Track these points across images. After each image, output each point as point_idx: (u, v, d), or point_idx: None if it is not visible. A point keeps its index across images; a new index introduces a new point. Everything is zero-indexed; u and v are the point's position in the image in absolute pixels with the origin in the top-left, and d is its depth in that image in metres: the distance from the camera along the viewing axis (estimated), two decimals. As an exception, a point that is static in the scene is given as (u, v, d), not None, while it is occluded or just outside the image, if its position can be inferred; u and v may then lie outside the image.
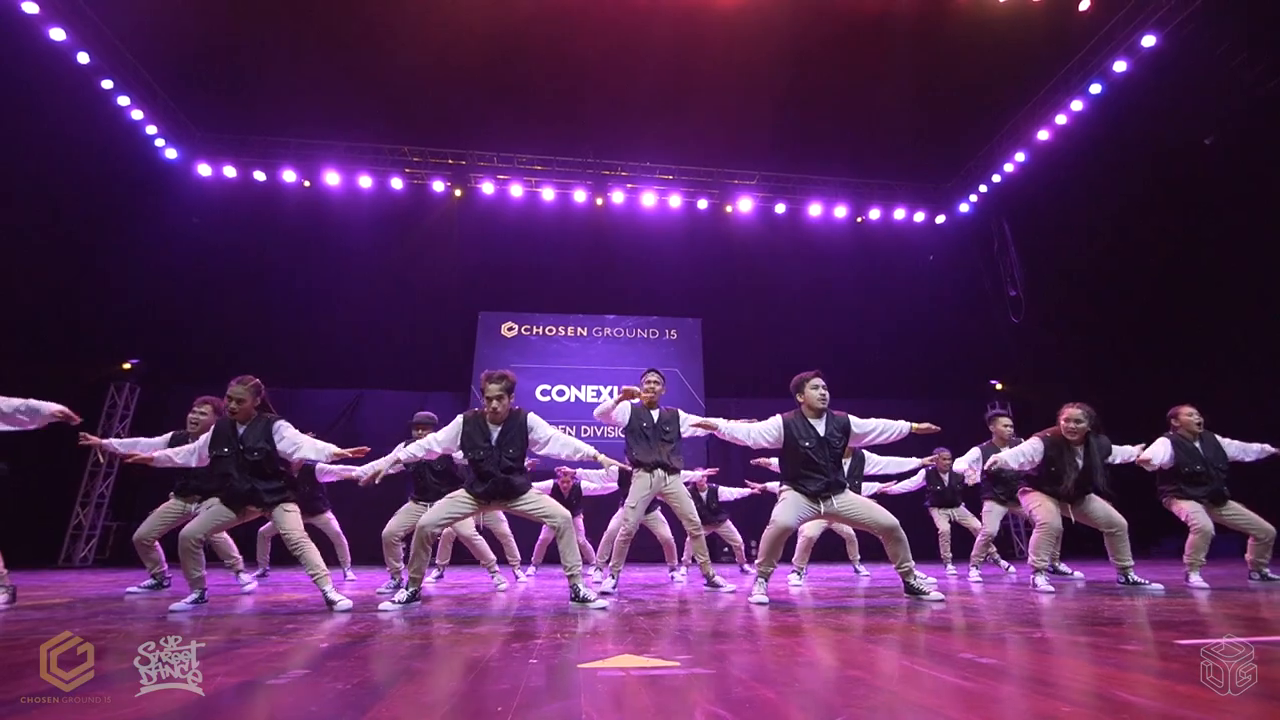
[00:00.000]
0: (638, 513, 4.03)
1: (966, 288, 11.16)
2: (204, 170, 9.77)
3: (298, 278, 10.23)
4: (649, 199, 10.85)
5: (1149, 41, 7.66)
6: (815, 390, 3.48)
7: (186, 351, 9.54)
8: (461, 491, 3.32)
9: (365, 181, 10.23)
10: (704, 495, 6.02)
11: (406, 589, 3.17)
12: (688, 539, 4.48)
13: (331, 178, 10.09)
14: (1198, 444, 4.16)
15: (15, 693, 1.36)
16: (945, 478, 5.81)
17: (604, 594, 3.60)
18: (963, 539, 5.81)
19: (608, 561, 4.33)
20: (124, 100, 8.46)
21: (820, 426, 3.44)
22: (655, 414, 4.17)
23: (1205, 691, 1.25)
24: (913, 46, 8.34)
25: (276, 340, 9.83)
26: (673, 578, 5.04)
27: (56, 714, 1.20)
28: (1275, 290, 7.29)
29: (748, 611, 2.87)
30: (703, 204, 10.99)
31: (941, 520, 5.87)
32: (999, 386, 10.48)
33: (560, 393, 10.58)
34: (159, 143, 9.22)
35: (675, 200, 10.94)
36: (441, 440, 3.34)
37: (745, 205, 10.98)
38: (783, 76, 8.95)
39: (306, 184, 10.15)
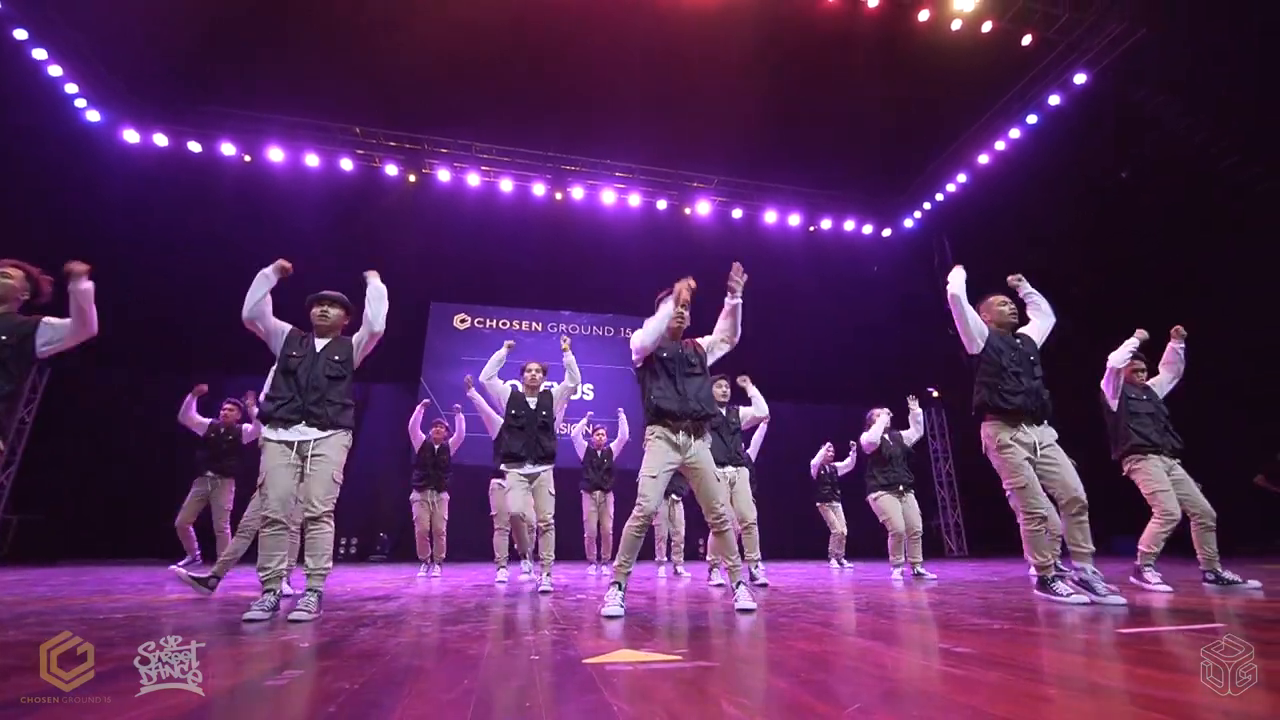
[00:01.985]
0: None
1: (909, 299, 11.74)
2: (131, 136, 9.04)
3: (234, 256, 9.54)
4: (609, 196, 10.85)
5: (1080, 79, 8.29)
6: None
7: (103, 332, 8.80)
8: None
9: (312, 160, 9.74)
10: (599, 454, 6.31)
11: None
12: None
13: (275, 154, 9.55)
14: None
15: (15, 693, 1.27)
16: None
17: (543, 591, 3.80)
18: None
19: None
20: (40, 54, 7.72)
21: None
22: (533, 400, 4.38)
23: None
24: (870, 64, 8.69)
25: (208, 322, 9.20)
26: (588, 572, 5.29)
27: (56, 714, 1.13)
28: (1197, 311, 8.05)
29: (709, 606, 2.94)
30: (662, 204, 11.08)
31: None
32: (935, 394, 11.09)
33: (514, 387, 10.41)
34: (80, 103, 8.47)
35: (635, 199, 10.97)
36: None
37: (703, 208, 11.14)
38: (745, 84, 9.13)
39: (247, 159, 9.57)
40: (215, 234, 9.39)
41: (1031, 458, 3.09)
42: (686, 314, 3.26)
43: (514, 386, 4.53)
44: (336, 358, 2.98)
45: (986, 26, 7.99)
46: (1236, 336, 7.33)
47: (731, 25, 8.31)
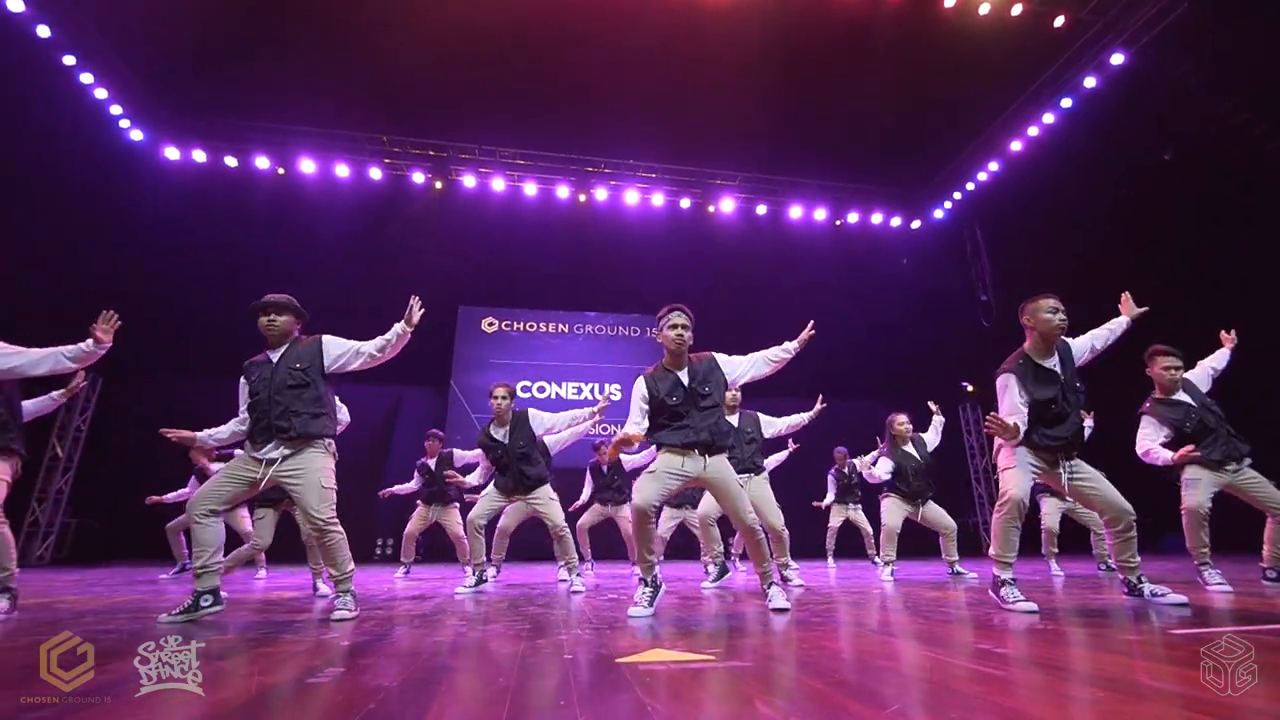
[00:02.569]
0: None
1: (940, 291, 11.49)
2: (172, 154, 9.39)
3: (270, 267, 9.90)
4: (632, 197, 10.86)
5: (1117, 59, 8.00)
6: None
7: (152, 342, 9.17)
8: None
9: (342, 170, 9.98)
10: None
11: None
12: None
13: (307, 165, 9.82)
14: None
15: (15, 693, 1.33)
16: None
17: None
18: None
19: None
20: (87, 78, 8.08)
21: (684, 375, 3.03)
22: (501, 432, 4.21)
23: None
24: (893, 55, 8.52)
25: (249, 331, 9.52)
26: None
27: (56, 714, 1.18)
28: (1237, 301, 7.71)
29: (742, 606, 2.93)
30: (685, 203, 11.05)
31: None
32: (970, 389, 10.82)
33: (540, 389, 10.52)
34: (124, 124, 8.84)
35: (658, 198, 10.97)
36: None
37: (727, 205, 11.08)
38: (766, 79, 9.04)
39: (280, 171, 9.86)
40: (254, 245, 9.72)
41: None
42: (687, 334, 3.02)
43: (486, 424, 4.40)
44: (296, 365, 2.89)
45: (1016, 9, 7.76)
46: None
47: (751, 20, 8.24)
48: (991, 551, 2.77)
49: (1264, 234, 7.50)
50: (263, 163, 9.71)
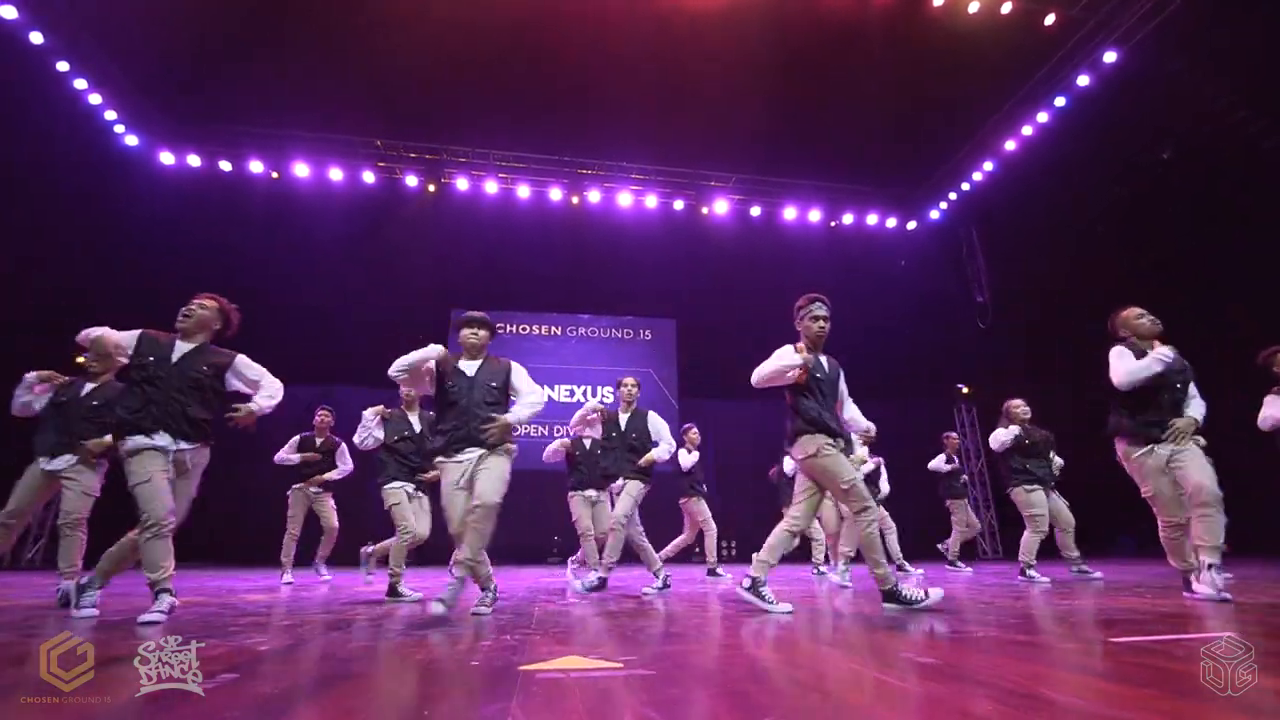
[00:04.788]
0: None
1: (935, 292, 11.37)
2: (167, 158, 9.48)
3: (265, 270, 9.97)
4: (625, 199, 10.85)
5: (1110, 57, 7.89)
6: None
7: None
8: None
9: (336, 174, 10.04)
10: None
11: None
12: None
13: (301, 169, 9.88)
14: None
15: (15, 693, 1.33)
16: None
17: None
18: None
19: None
20: (81, 84, 8.17)
21: None
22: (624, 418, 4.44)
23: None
24: (887, 56, 8.46)
25: (241, 334, 9.58)
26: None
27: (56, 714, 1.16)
28: (1233, 301, 7.57)
29: (708, 612, 2.88)
30: (679, 205, 11.02)
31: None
32: (965, 390, 10.70)
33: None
34: (119, 129, 8.92)
35: (651, 200, 10.94)
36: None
37: (721, 207, 11.04)
38: (760, 81, 9.00)
39: (275, 175, 9.92)
40: (248, 249, 9.77)
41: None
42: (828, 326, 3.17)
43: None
44: (493, 383, 3.07)
45: (1006, 8, 7.68)
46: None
47: (742, 22, 8.21)
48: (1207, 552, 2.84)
49: (1261, 232, 7.37)
50: (257, 167, 9.78)
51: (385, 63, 8.69)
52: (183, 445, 2.71)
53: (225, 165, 9.72)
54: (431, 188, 10.48)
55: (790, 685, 1.39)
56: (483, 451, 2.86)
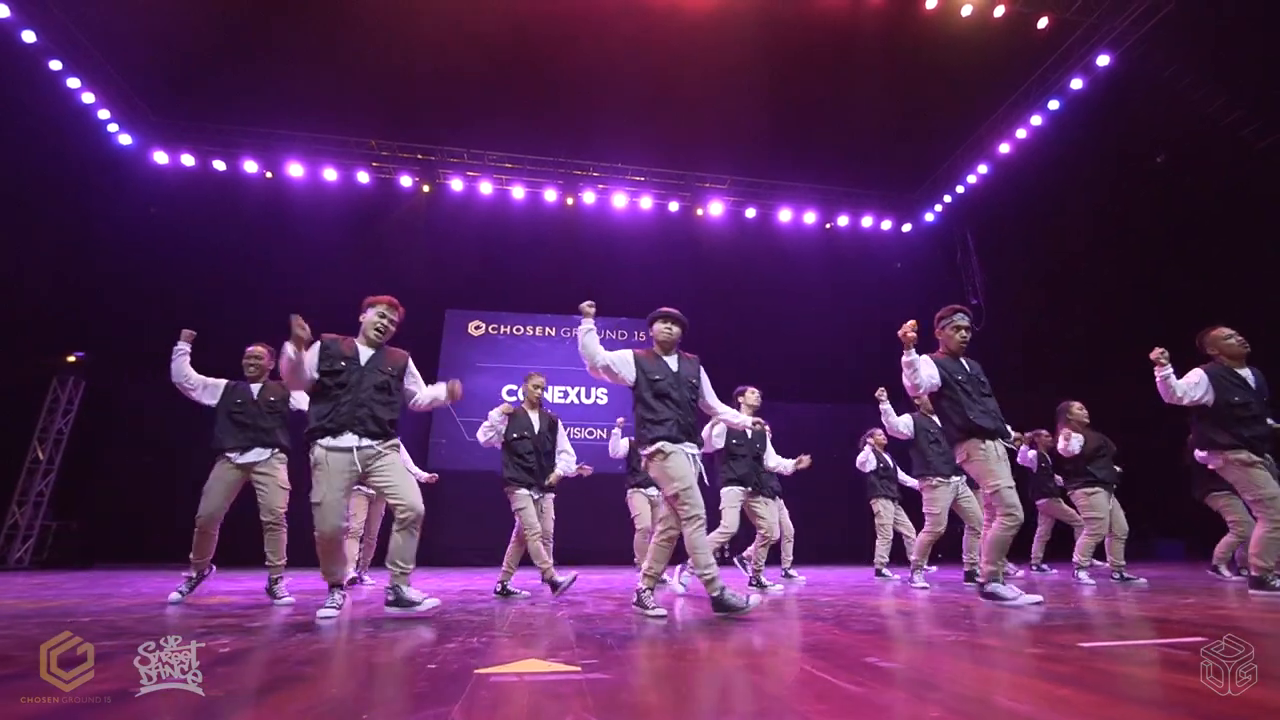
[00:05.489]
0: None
1: (931, 295, 11.34)
2: (160, 158, 9.47)
3: (258, 271, 9.97)
4: (620, 200, 10.84)
5: (1103, 61, 7.88)
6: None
7: (137, 345, 9.22)
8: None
9: (330, 174, 10.03)
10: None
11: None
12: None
13: (295, 169, 9.87)
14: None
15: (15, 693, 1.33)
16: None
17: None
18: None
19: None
20: (74, 83, 8.17)
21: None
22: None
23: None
24: (881, 58, 8.46)
25: (234, 334, 9.55)
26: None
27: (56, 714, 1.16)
28: (1229, 302, 7.55)
29: (685, 615, 2.85)
30: (674, 206, 11.01)
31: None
32: (959, 393, 10.67)
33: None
34: (112, 128, 8.92)
35: (646, 202, 10.93)
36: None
37: (716, 209, 11.03)
38: (755, 83, 9.01)
39: (269, 175, 9.91)
40: (241, 249, 9.77)
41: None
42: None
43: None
44: (691, 380, 3.30)
45: (999, 11, 7.68)
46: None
47: (737, 24, 8.20)
48: None
49: (1257, 232, 7.36)
50: (251, 167, 9.77)
51: (380, 63, 8.70)
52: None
53: (219, 165, 9.71)
54: (426, 188, 10.47)
55: (743, 689, 1.37)
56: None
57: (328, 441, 2.77)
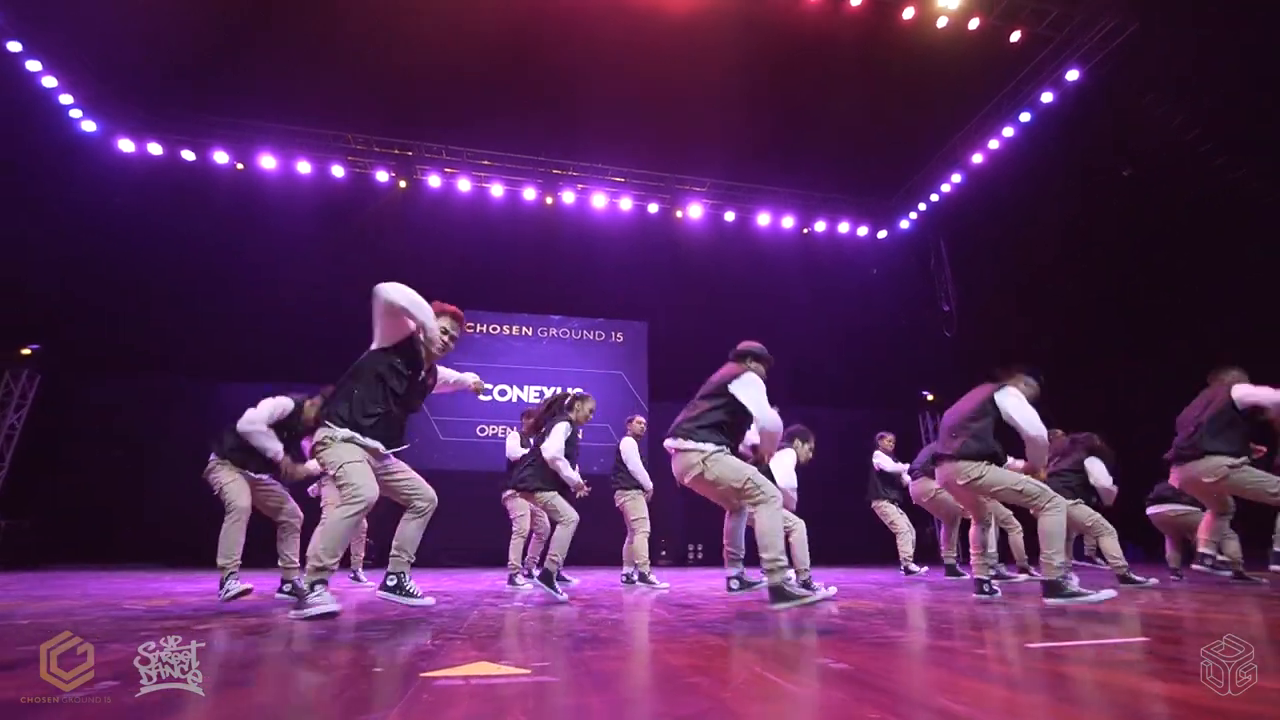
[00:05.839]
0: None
1: (905, 301, 11.54)
2: (126, 146, 9.21)
3: (227, 265, 9.74)
4: (600, 200, 10.82)
5: (1073, 75, 8.09)
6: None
7: (97, 338, 8.95)
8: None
9: (304, 167, 9.85)
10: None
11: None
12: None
13: (268, 161, 9.67)
14: None
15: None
16: None
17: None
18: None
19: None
20: (34, 65, 7.91)
21: None
22: None
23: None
24: (859, 66, 8.58)
25: (199, 330, 9.33)
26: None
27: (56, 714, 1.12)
28: (1192, 314, 7.78)
29: (644, 615, 2.84)
30: (653, 208, 11.02)
31: None
32: (930, 397, 10.85)
33: (502, 392, 10.41)
34: (75, 114, 8.65)
35: (626, 203, 10.93)
36: None
37: (695, 211, 11.07)
38: (735, 87, 9.05)
39: (240, 166, 9.70)
40: (208, 242, 9.53)
41: None
42: None
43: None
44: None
45: (974, 23, 7.83)
46: (1244, 336, 7.07)
47: (717, 28, 8.24)
48: None
49: (1217, 247, 7.59)
50: (221, 157, 9.55)
51: (356, 56, 8.57)
52: None
53: (188, 155, 9.47)
54: (403, 184, 10.34)
55: (688, 691, 1.36)
56: None
57: (360, 439, 2.65)
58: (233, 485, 3.64)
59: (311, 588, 2.51)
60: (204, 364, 9.25)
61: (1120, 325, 8.59)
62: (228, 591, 3.46)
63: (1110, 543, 4.37)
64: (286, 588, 3.70)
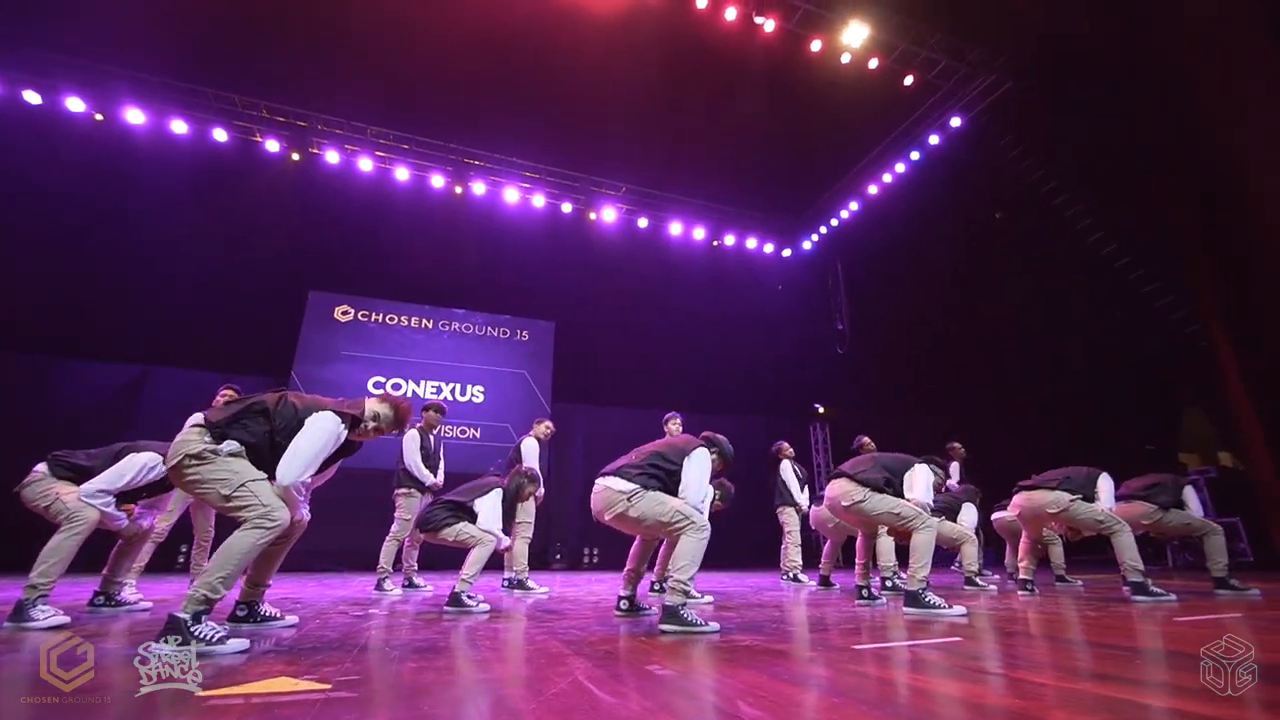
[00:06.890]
0: None
1: (804, 318, 12.13)
2: (-52, 77, 7.90)
3: (78, 226, 8.57)
4: (512, 195, 10.57)
5: (956, 123, 8.85)
6: None
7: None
8: None
9: (180, 127, 8.89)
10: None
11: None
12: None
13: (135, 115, 8.64)
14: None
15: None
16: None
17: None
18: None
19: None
20: None
21: None
22: None
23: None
24: (771, 89, 8.94)
25: (42, 298, 8.14)
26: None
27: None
28: (1043, 348, 8.65)
29: (499, 624, 2.75)
30: (567, 207, 10.91)
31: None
32: (821, 410, 11.47)
33: (396, 386, 9.87)
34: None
35: (539, 200, 10.75)
36: None
37: (609, 215, 11.07)
38: (655, 96, 9.16)
39: (99, 117, 8.60)
40: (55, 201, 8.35)
41: None
42: None
43: None
44: None
45: (873, 63, 8.37)
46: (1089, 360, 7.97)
47: (637, 36, 8.30)
48: None
49: (1066, 299, 8.43)
50: (76, 104, 8.42)
51: (254, 17, 7.85)
52: None
53: (32, 97, 8.27)
54: (296, 156, 9.60)
55: (495, 704, 1.30)
56: None
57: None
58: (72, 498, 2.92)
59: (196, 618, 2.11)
60: (51, 336, 8.07)
61: (989, 353, 9.41)
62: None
63: (970, 550, 4.84)
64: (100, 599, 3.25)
